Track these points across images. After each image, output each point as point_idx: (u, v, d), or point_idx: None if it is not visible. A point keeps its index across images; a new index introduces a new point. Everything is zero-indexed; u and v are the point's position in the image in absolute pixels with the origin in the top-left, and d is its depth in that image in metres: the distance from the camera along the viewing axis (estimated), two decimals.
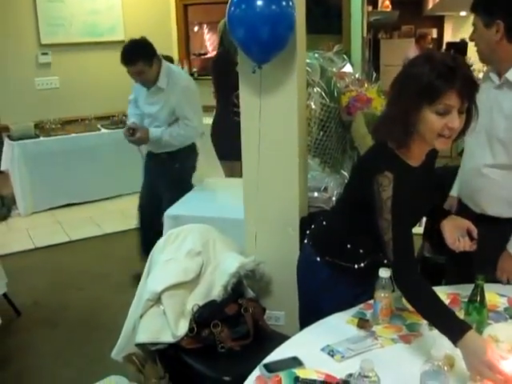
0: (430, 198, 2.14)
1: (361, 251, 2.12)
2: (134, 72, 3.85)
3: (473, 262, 2.17)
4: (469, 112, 1.85)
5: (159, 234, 3.11)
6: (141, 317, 2.62)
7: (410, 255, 1.90)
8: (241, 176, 2.91)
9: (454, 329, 1.69)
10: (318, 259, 2.20)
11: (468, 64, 1.96)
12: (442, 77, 1.74)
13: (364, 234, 2.04)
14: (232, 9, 2.52)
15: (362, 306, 2.13)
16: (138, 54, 3.79)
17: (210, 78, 6.65)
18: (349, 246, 2.12)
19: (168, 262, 2.71)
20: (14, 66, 6.31)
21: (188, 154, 4.22)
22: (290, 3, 2.52)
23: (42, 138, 6.23)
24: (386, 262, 2.00)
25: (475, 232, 2.08)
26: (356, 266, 2.13)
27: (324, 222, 2.28)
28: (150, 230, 3.95)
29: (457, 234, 2.08)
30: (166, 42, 7.25)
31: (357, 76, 3.30)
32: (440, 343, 1.66)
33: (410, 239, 1.92)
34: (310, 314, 2.23)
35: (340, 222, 2.18)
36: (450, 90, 1.74)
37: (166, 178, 4.11)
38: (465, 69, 1.79)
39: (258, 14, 2.45)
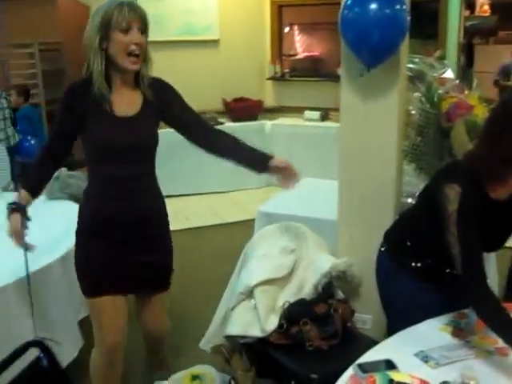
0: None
1: (418, 252, 2.17)
2: None
3: None
4: None
5: None
6: (232, 309, 2.68)
7: (477, 269, 1.87)
8: None
9: None
10: (383, 249, 2.31)
11: None
12: None
13: (423, 236, 2.12)
14: (345, 12, 2.54)
15: (454, 314, 2.10)
16: None
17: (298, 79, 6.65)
18: (408, 243, 2.19)
19: (262, 258, 2.75)
20: None
21: None
22: (404, 6, 2.49)
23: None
24: (448, 271, 2.09)
25: None
26: (413, 264, 2.17)
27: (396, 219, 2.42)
28: None
29: None
30: (260, 42, 7.36)
31: (457, 82, 3.25)
32: None
33: (478, 254, 1.89)
34: (385, 308, 2.36)
35: (407, 220, 2.30)
36: None
37: None
38: None
39: (370, 17, 2.46)
